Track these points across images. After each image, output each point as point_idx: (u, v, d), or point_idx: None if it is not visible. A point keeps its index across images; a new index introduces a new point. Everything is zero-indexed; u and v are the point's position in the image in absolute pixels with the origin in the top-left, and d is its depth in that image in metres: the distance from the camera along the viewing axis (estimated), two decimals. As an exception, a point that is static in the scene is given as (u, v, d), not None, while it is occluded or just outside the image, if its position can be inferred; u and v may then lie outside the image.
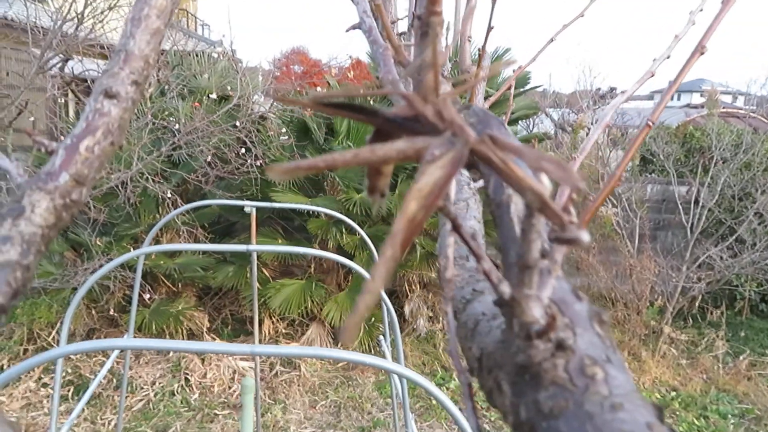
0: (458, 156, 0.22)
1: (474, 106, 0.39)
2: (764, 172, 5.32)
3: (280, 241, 4.86)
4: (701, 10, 0.84)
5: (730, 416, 4.10)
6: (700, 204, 5.16)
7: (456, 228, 0.25)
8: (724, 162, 5.27)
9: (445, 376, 4.44)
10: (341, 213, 3.67)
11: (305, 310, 4.66)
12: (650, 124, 0.49)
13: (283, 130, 4.39)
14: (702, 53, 0.53)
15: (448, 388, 4.21)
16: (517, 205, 0.33)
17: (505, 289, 0.26)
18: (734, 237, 5.08)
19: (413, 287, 5.28)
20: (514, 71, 1.00)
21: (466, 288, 0.43)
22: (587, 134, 6.41)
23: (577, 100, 6.99)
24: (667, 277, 4.96)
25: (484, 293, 0.40)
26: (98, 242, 3.97)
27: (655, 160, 5.76)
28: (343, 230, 4.71)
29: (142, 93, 0.35)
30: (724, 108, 8.46)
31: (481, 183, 0.65)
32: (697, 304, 5.22)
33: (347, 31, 0.48)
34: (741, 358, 4.74)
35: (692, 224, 5.14)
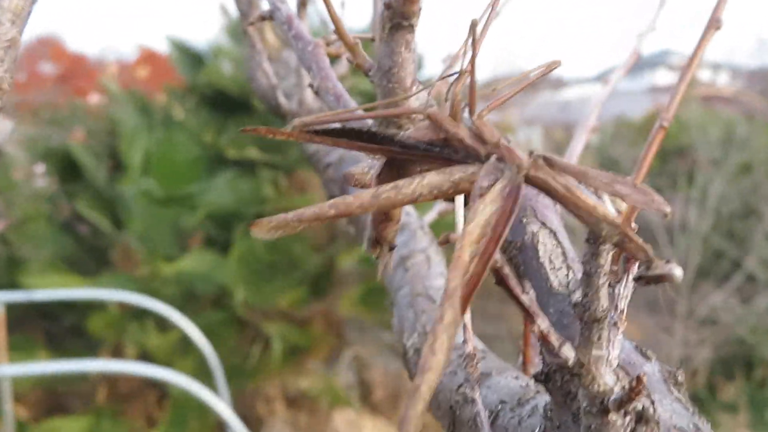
0: (513, 186, 0.29)
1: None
2: (770, 176, 5.89)
3: (42, 354, 4.67)
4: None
5: None
6: (690, 229, 5.61)
7: (502, 279, 0.31)
8: (715, 165, 5.79)
9: None
10: (145, 297, 3.62)
11: (97, 466, 4.49)
12: (665, 125, 0.58)
13: (39, 169, 4.28)
14: (718, 28, 0.64)
15: None
16: (546, 246, 0.40)
17: (569, 353, 0.32)
18: (741, 274, 5.55)
19: (273, 405, 5.26)
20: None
21: (459, 374, 0.49)
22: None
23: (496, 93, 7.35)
24: (655, 342, 5.32)
25: (492, 375, 0.47)
26: None
27: (616, 170, 6.20)
28: (151, 325, 4.62)
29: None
30: (703, 90, 9.30)
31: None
32: (704, 380, 5.61)
33: (251, 24, 0.52)
34: (773, 452, 5.15)
35: (683, 260, 5.56)
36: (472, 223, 0.28)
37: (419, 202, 0.30)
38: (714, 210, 5.67)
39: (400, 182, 0.29)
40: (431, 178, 0.29)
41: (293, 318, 5.04)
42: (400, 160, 0.31)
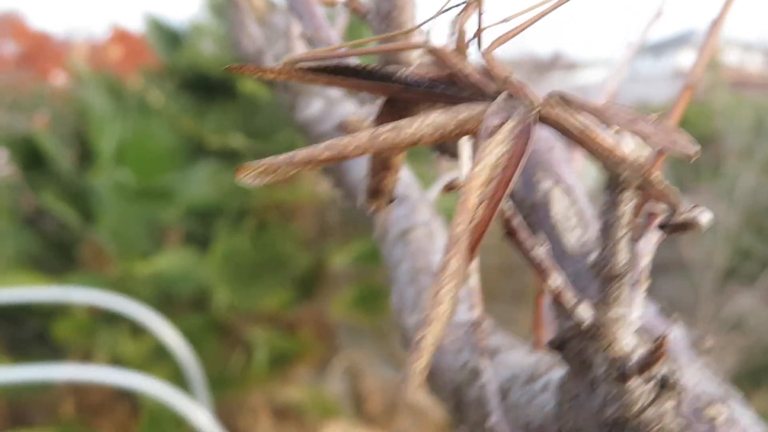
0: (525, 125, 0.29)
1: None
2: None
3: (4, 361, 4.68)
4: None
5: None
6: (716, 226, 5.60)
7: (512, 230, 0.31)
8: (744, 155, 5.77)
9: None
10: (117, 298, 3.61)
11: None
12: (691, 86, 0.58)
13: (1, 157, 4.28)
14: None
15: None
16: (560, 204, 0.40)
17: (585, 313, 0.32)
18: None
19: (258, 417, 5.27)
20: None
21: (464, 352, 0.49)
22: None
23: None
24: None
25: (501, 351, 0.47)
26: None
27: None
28: (124, 330, 4.63)
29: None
30: (732, 74, 9.26)
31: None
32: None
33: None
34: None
35: (707, 260, 5.56)
36: (480, 164, 0.28)
37: (422, 144, 0.30)
38: (742, 205, 5.65)
39: (401, 122, 0.29)
40: (435, 118, 0.29)
41: (280, 322, 5.03)
42: (402, 100, 0.31)
